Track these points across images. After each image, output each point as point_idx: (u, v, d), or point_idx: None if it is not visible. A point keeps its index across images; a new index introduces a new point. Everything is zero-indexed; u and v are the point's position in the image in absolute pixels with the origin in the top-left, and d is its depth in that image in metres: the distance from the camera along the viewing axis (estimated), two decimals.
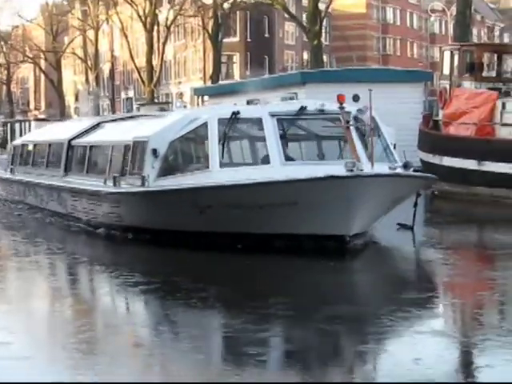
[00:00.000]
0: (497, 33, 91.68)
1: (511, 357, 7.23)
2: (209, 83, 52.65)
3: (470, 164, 20.82)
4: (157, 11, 59.51)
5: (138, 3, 57.95)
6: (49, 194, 20.36)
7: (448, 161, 21.76)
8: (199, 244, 13.07)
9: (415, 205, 14.64)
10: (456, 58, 26.26)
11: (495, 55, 27.00)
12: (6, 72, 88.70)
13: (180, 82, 74.21)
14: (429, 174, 15.14)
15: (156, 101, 56.72)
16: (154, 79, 58.61)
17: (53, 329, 9.53)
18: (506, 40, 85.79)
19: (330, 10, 56.72)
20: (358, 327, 8.61)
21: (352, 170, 12.15)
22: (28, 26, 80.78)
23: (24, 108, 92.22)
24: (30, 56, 79.57)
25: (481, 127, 20.85)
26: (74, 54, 75.62)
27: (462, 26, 34.87)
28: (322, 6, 47.11)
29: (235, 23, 69.39)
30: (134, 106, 61.26)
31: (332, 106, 14.25)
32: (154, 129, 15.59)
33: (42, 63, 79.69)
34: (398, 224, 14.90)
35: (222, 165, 14.03)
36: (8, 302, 11.20)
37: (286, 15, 55.26)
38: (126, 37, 62.52)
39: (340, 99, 13.34)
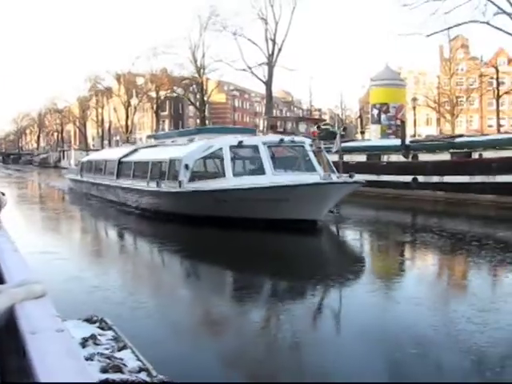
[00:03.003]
0: (283, 111, 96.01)
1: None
2: (153, 132, 50.00)
3: None
4: (130, 100, 65.94)
5: (121, 96, 64.52)
6: (106, 189, 19.53)
7: None
8: (215, 224, 12.21)
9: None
10: (266, 122, 30.80)
11: (283, 122, 31.11)
12: (60, 128, 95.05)
13: (140, 133, 72.88)
14: (362, 181, 13.40)
15: (129, 141, 53.57)
16: (129, 131, 63.91)
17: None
18: (288, 114, 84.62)
19: (209, 100, 59.76)
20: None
21: (326, 179, 11.61)
22: (70, 105, 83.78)
23: (68, 144, 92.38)
24: (72, 120, 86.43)
25: None
26: (92, 119, 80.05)
27: (269, 108, 41.72)
28: (206, 98, 53.84)
29: (166, 105, 73.07)
30: (120, 144, 56.97)
31: (299, 139, 14.11)
32: (184, 151, 14.54)
33: (78, 123, 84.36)
34: (329, 211, 13.27)
35: (234, 174, 13.22)
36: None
37: (189, 102, 60.38)
38: (116, 111, 67.90)
39: (313, 134, 12.67)
